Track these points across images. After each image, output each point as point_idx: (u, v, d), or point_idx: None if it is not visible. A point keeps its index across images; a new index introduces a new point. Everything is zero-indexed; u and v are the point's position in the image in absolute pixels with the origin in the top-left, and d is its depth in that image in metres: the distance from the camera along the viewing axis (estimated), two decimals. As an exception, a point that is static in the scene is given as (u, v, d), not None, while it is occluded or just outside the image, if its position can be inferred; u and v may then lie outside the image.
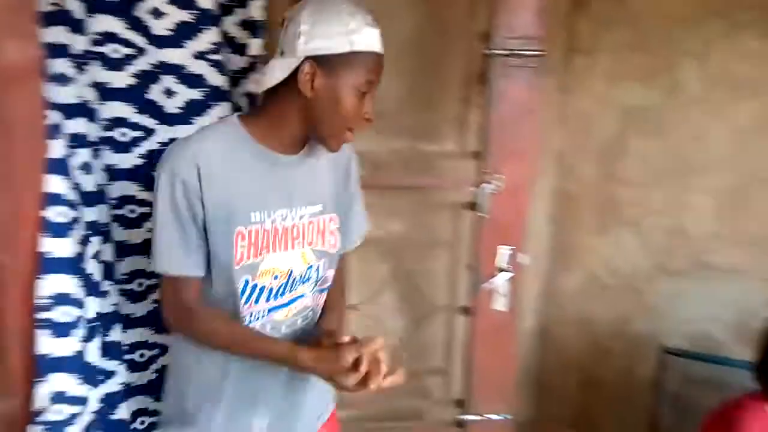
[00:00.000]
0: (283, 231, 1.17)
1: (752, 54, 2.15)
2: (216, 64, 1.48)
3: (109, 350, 1.40)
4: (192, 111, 1.49)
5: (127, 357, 1.51)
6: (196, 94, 1.48)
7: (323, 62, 1.08)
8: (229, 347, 1.16)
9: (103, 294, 1.36)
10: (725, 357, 2.14)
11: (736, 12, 2.17)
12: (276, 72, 1.10)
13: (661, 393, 1.94)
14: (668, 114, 2.36)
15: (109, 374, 1.40)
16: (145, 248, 1.48)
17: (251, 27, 1.50)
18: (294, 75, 1.08)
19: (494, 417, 1.77)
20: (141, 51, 1.40)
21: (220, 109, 1.50)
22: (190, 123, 1.47)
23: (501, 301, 1.71)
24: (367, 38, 1.09)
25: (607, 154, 2.53)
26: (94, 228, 1.33)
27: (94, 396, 1.29)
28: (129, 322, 1.53)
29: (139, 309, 1.55)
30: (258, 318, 1.20)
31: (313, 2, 1.10)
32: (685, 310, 2.39)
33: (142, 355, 1.57)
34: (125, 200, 1.47)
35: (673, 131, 2.35)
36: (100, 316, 1.33)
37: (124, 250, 1.50)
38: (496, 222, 1.64)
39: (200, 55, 1.46)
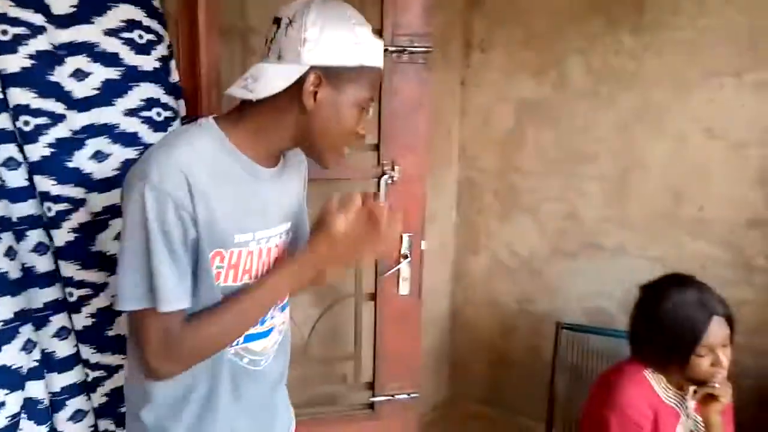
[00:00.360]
0: (266, 252, 1.08)
1: (627, 49, 2.35)
2: (130, 42, 1.39)
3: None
4: (111, 92, 1.37)
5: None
6: (112, 73, 1.37)
7: (329, 74, 0.99)
8: (233, 326, 1.02)
9: (19, 291, 1.25)
10: (615, 329, 2.32)
11: (612, 8, 2.35)
12: (275, 80, 0.98)
13: (558, 365, 2.10)
14: (558, 106, 2.53)
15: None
16: (71, 253, 1.33)
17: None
18: (293, 83, 0.98)
19: (402, 396, 1.86)
20: (39, 30, 1.26)
21: (143, 90, 1.41)
22: (112, 105, 1.37)
23: (404, 286, 1.79)
24: (374, 52, 1.03)
25: (506, 145, 2.69)
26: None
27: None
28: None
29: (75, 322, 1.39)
30: (233, 347, 1.08)
31: (316, 4, 0.99)
32: (580, 288, 2.59)
33: (86, 375, 1.42)
34: (42, 197, 1.31)
35: (564, 122, 2.53)
36: (20, 315, 1.24)
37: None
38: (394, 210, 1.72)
39: (112, 33, 1.36)
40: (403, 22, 1.54)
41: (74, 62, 1.34)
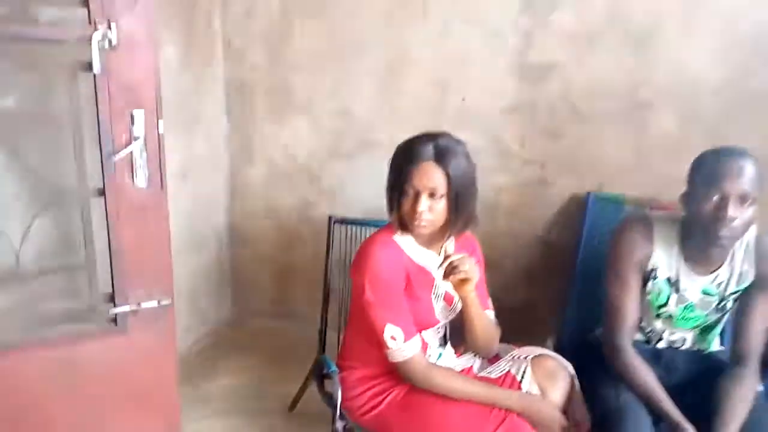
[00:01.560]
0: None
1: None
2: None
3: None
4: None
5: None
6: None
7: None
8: None
9: None
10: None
11: None
12: None
13: (329, 259, 2.02)
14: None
15: None
16: None
17: None
18: None
19: (150, 305, 1.62)
20: None
21: None
22: None
23: (141, 176, 1.53)
24: None
25: (273, 38, 2.48)
26: None
27: None
28: None
29: None
30: None
31: None
32: (360, 189, 2.53)
33: None
34: None
35: (332, 11, 2.38)
36: None
37: None
38: (119, 82, 1.43)
39: None
40: None
41: None
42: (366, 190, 2.50)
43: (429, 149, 1.47)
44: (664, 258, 1.62)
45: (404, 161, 1.49)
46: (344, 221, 2.08)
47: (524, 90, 2.26)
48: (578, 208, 2.27)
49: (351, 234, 2.05)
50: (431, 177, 1.46)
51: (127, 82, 1.44)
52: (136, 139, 1.50)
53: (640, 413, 1.52)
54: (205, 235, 2.61)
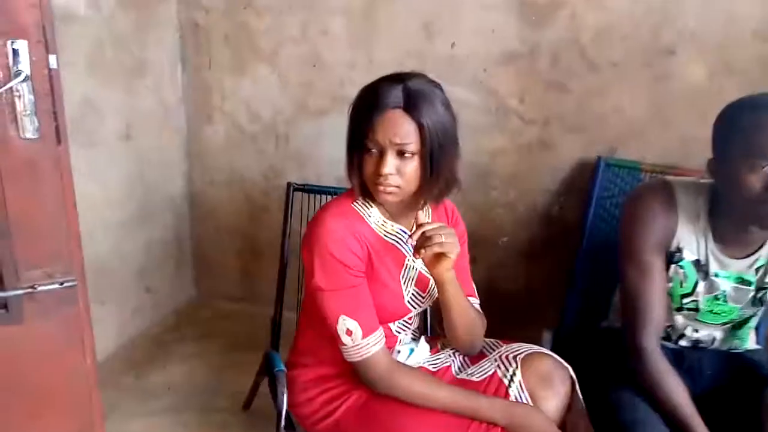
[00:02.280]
0: None
1: None
2: None
3: None
4: None
5: None
6: None
7: None
8: None
9: None
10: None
11: None
12: None
13: (287, 234, 1.70)
14: None
15: None
16: None
17: None
18: None
19: (50, 287, 1.30)
20: None
21: None
22: None
23: (27, 124, 1.19)
24: None
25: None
26: None
27: None
28: None
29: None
30: None
31: None
32: (332, 152, 2.19)
33: None
34: None
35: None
36: None
37: None
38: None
39: None
40: None
41: None
42: (339, 154, 2.15)
43: (397, 94, 1.13)
44: (690, 236, 1.28)
45: (365, 109, 1.15)
46: (306, 188, 1.75)
47: (525, 34, 1.90)
48: (586, 175, 1.93)
49: (316, 204, 1.72)
50: (399, 129, 1.12)
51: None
52: (16, 75, 1.16)
53: (659, 429, 1.21)
54: (159, 205, 2.29)
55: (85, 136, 1.88)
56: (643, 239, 1.29)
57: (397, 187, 1.16)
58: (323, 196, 1.72)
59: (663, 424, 1.21)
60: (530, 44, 1.91)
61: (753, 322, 1.41)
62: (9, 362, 1.34)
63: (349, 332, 1.19)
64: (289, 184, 1.73)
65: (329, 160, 2.20)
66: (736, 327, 1.39)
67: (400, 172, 1.15)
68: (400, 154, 1.14)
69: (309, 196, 1.75)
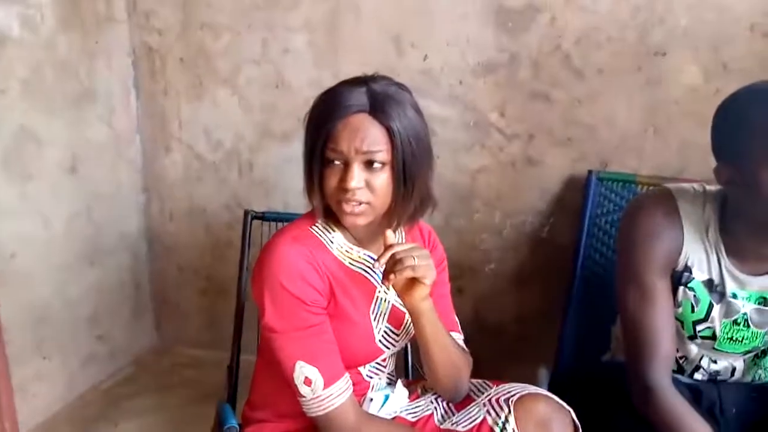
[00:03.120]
0: None
1: None
2: None
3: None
4: None
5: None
6: None
7: None
8: None
9: None
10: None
11: None
12: None
13: (244, 268, 1.50)
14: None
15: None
16: None
17: None
18: None
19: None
20: None
21: None
22: None
23: None
24: None
25: (186, -9, 1.97)
26: None
27: None
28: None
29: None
30: None
31: None
32: (299, 177, 2.02)
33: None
34: None
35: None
36: None
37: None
38: None
39: None
40: None
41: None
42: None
43: (360, 96, 0.97)
44: (699, 252, 1.11)
45: (325, 115, 0.98)
46: (266, 217, 1.57)
47: (502, 42, 1.76)
48: (577, 192, 1.76)
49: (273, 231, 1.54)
50: (366, 135, 0.95)
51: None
52: None
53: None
54: (111, 244, 2.09)
55: (20, 168, 1.70)
56: (645, 258, 1.10)
57: (367, 204, 0.98)
58: (285, 225, 1.54)
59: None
60: (509, 53, 1.76)
61: None
62: None
63: (308, 381, 0.99)
64: (246, 212, 1.55)
65: (297, 188, 2.01)
66: (758, 356, 1.21)
67: (369, 186, 0.97)
68: (368, 164, 0.96)
69: (271, 225, 1.56)
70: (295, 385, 1.00)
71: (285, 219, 1.55)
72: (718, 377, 1.21)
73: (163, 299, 2.31)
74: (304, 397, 1.00)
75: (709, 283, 1.12)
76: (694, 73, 1.63)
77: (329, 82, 1.82)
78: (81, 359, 2.00)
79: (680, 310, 1.15)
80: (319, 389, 0.99)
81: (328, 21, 1.87)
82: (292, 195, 2.03)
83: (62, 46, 1.81)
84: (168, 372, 2.19)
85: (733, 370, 1.20)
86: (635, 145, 1.73)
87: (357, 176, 0.96)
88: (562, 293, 1.72)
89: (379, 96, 0.97)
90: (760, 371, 1.22)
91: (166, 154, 2.13)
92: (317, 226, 1.08)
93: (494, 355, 1.36)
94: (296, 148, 1.93)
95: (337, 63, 1.90)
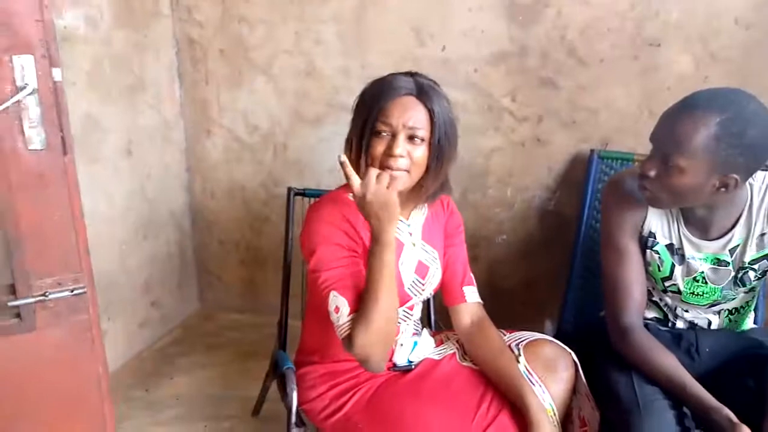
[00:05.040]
0: None
1: None
2: None
3: None
4: None
5: None
6: None
7: None
8: None
9: None
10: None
11: None
12: None
13: (289, 238, 1.72)
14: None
15: None
16: None
17: None
18: None
19: (60, 295, 1.33)
20: None
21: None
22: None
23: (36, 136, 1.23)
24: None
25: (223, -14, 2.16)
26: None
27: None
28: None
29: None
30: None
31: None
32: (330, 159, 2.23)
33: None
34: None
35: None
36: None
37: None
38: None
39: None
40: None
41: None
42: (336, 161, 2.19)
43: (409, 82, 1.20)
44: (661, 220, 1.32)
45: (378, 95, 1.20)
46: (306, 193, 1.78)
47: (513, 33, 1.95)
48: (581, 169, 1.96)
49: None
50: (413, 113, 1.18)
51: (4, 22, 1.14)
52: (23, 88, 1.20)
53: (661, 407, 1.22)
54: (161, 220, 2.32)
55: (87, 152, 1.91)
56: (617, 225, 1.33)
57: (407, 171, 1.19)
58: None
59: (664, 402, 1.23)
60: (519, 43, 1.95)
61: (750, 309, 1.43)
62: (22, 370, 1.37)
63: (336, 309, 1.16)
64: (289, 189, 1.76)
65: (327, 167, 2.23)
66: (732, 313, 1.41)
67: (409, 156, 1.19)
68: (411, 139, 1.18)
69: (310, 201, 1.77)
70: (329, 313, 1.17)
71: (321, 194, 1.77)
72: (696, 327, 1.42)
73: (206, 269, 2.54)
74: (334, 323, 1.16)
75: (670, 247, 1.33)
76: (686, 62, 1.82)
77: (356, 71, 2.06)
78: (138, 322, 2.24)
79: (650, 268, 1.36)
80: (345, 315, 1.14)
81: (355, 14, 2.06)
82: (323, 174, 2.24)
83: (117, 41, 2.01)
84: (213, 334, 2.43)
85: (709, 323, 1.41)
86: (633, 127, 1.91)
87: (402, 146, 1.17)
88: (566, 259, 1.92)
89: (423, 85, 1.20)
90: (735, 326, 1.43)
91: (208, 137, 2.35)
92: (352, 194, 1.29)
93: (507, 314, 1.56)
94: (327, 131, 2.17)
95: (363, 53, 2.09)
